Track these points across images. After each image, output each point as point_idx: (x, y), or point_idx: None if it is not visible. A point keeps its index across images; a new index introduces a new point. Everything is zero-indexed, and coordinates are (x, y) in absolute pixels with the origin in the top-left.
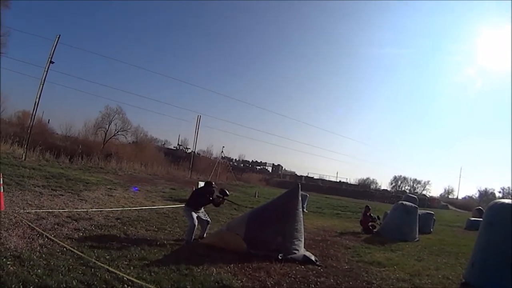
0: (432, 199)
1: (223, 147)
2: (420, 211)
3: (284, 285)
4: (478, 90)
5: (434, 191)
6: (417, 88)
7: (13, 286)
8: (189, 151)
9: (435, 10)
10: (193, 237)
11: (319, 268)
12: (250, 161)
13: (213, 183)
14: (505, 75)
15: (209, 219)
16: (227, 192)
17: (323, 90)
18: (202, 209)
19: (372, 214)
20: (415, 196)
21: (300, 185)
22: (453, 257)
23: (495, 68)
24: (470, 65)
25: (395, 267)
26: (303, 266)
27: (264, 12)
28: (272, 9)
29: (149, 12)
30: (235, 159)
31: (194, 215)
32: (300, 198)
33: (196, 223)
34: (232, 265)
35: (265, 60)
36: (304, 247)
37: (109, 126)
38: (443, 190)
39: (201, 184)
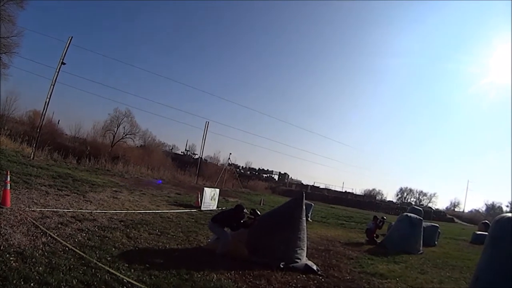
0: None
1: (230, 153)
2: (425, 223)
3: None
4: (490, 102)
5: (440, 203)
6: (428, 100)
7: (14, 281)
8: (197, 156)
9: (449, 21)
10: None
11: (321, 278)
12: (257, 168)
13: (244, 207)
14: None
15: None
16: (258, 213)
17: (330, 99)
18: None
19: (377, 216)
20: (421, 208)
21: (304, 194)
22: (457, 271)
23: (507, 81)
24: (483, 77)
25: (397, 279)
26: (304, 276)
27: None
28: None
29: (161, 17)
30: (242, 166)
31: (226, 229)
32: (304, 207)
33: (230, 236)
34: (233, 271)
35: (277, 68)
36: (307, 256)
37: (117, 129)
38: (449, 203)
39: (207, 190)
